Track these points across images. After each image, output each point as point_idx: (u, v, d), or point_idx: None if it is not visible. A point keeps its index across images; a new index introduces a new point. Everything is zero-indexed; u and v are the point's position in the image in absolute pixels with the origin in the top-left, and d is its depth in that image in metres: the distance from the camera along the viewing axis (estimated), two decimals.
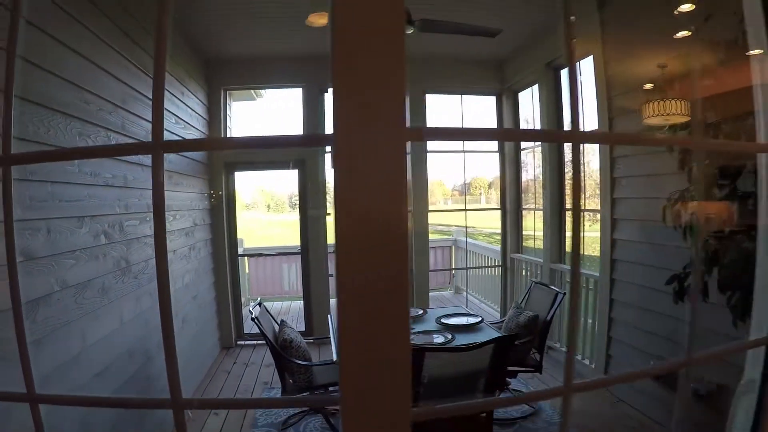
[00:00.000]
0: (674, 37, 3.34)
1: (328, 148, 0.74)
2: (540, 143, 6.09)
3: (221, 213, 6.07)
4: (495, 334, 3.53)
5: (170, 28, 0.71)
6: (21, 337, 0.79)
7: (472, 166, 8.06)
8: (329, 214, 6.21)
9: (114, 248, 3.16)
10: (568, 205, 5.93)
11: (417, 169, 6.41)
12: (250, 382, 5.13)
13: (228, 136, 6.32)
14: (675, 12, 3.27)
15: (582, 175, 5.82)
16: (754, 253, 1.51)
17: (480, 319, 4.09)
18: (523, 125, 6.60)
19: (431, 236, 7.99)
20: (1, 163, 0.69)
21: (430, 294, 7.05)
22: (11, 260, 0.76)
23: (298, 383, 3.65)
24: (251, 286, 8.78)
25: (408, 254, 0.62)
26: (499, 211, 7.03)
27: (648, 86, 3.68)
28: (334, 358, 3.85)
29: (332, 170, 0.59)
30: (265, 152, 5.98)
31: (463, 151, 6.86)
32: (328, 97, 1.07)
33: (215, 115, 6.03)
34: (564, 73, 5.49)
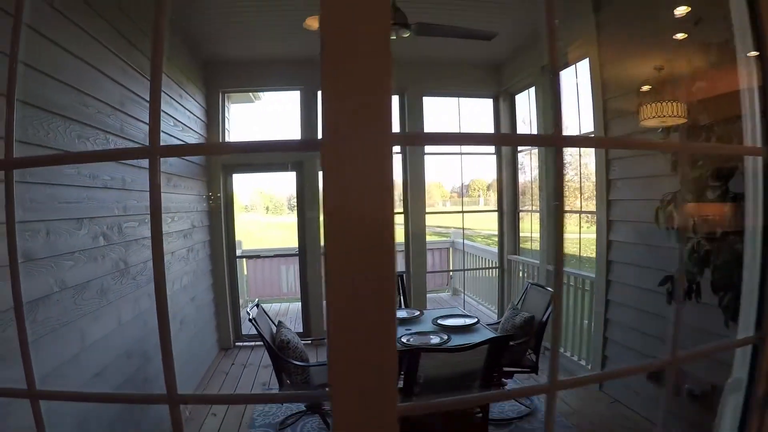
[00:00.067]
0: (670, 39, 3.37)
1: None
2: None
3: (219, 215, 6.09)
4: (490, 335, 3.55)
5: (167, 31, 0.74)
6: (22, 335, 0.81)
7: (471, 168, 8.07)
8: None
9: (113, 250, 3.19)
10: (566, 207, 5.96)
11: (414, 171, 6.45)
12: (248, 382, 5.15)
13: (226, 138, 6.34)
14: (671, 14, 3.29)
15: (579, 177, 5.86)
16: None
17: (476, 320, 4.11)
18: (520, 127, 6.63)
19: (429, 238, 8.01)
20: (2, 167, 0.71)
21: (428, 295, 7.06)
22: (13, 260, 0.78)
23: (295, 384, 3.67)
24: (249, 288, 8.80)
25: (394, 256, 0.65)
26: (496, 213, 7.06)
27: (645, 88, 3.71)
28: None
29: (320, 173, 0.61)
30: (263, 155, 6.00)
31: (461, 154, 6.89)
32: None
33: (213, 117, 6.06)
34: (560, 76, 5.51)
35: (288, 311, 8.30)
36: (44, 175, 2.42)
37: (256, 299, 4.29)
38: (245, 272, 8.52)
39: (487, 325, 4.24)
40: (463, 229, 7.52)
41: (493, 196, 7.33)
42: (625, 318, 4.23)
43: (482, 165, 8.19)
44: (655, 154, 3.59)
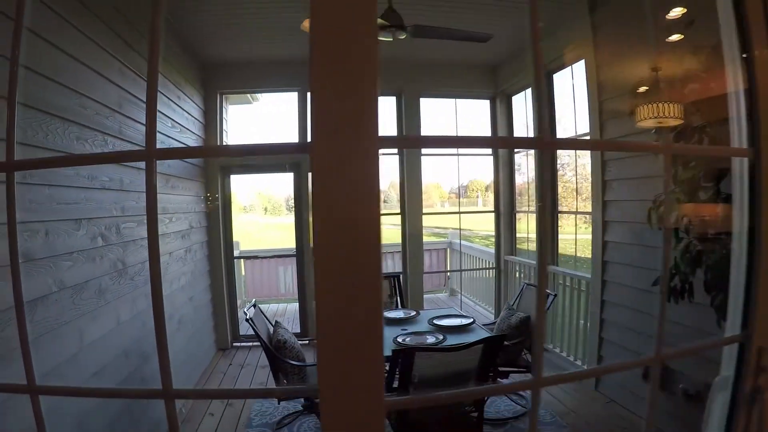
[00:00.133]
0: (664, 41, 3.40)
1: None
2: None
3: (217, 215, 6.11)
4: (485, 335, 3.58)
5: (163, 31, 0.76)
6: (22, 332, 0.84)
7: (470, 169, 8.13)
8: None
9: (111, 250, 3.21)
10: (562, 207, 5.99)
11: (411, 171, 6.47)
12: (245, 383, 5.17)
13: (224, 139, 6.36)
14: (667, 16, 3.32)
15: (576, 177, 5.89)
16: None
17: (472, 320, 4.13)
18: (517, 128, 6.67)
19: (427, 239, 8.04)
20: (4, 169, 0.74)
21: (425, 296, 7.09)
22: (14, 259, 0.81)
23: (292, 383, 3.69)
24: (247, 289, 8.82)
25: (380, 256, 0.67)
26: (493, 214, 7.09)
27: (641, 89, 3.73)
28: None
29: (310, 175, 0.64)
30: (261, 156, 6.02)
31: (458, 155, 6.92)
32: None
33: (211, 118, 6.08)
34: (557, 77, 5.57)
35: (286, 312, 8.32)
36: (43, 176, 2.45)
37: (254, 299, 4.31)
38: (243, 273, 8.54)
39: (483, 325, 4.27)
40: (460, 229, 7.55)
41: (491, 197, 7.36)
42: (620, 318, 4.25)
43: (481, 166, 8.23)
44: (650, 155, 3.62)
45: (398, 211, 6.59)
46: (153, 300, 0.79)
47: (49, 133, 2.50)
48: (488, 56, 6.18)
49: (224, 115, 6.37)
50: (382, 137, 0.65)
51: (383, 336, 0.71)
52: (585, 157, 5.38)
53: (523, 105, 6.42)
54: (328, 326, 0.69)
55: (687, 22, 3.12)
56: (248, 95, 7.25)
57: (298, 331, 6.38)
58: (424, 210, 6.78)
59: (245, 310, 3.81)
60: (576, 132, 5.22)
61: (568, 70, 5.30)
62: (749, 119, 1.30)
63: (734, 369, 1.44)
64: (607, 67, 4.34)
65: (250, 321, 3.64)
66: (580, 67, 4.85)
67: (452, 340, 3.60)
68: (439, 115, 7.26)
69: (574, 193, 5.82)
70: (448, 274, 9.53)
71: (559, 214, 5.80)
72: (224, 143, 6.37)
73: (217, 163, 6.06)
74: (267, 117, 8.34)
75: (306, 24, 3.56)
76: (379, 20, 3.35)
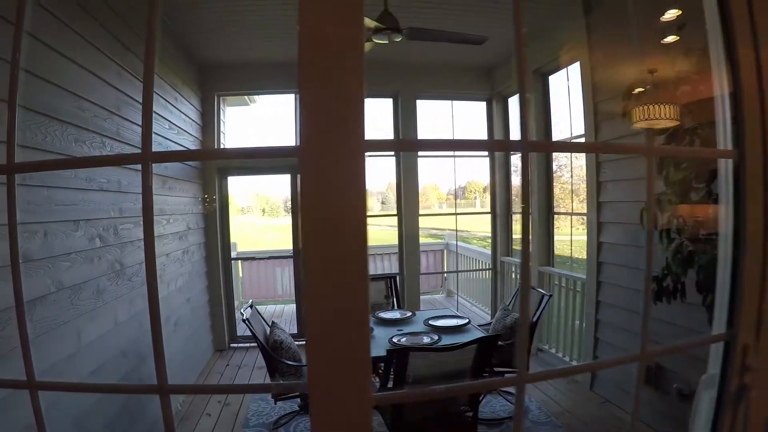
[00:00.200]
0: (658, 42, 3.42)
1: None
2: None
3: (215, 217, 6.13)
4: (480, 335, 3.60)
5: (160, 32, 0.79)
6: (22, 329, 0.86)
7: (467, 170, 8.14)
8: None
9: (108, 251, 3.23)
10: (560, 209, 6.02)
11: (408, 173, 6.48)
12: (242, 383, 5.18)
13: (221, 141, 6.38)
14: (659, 18, 3.35)
15: (571, 179, 5.91)
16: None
17: (467, 320, 4.16)
18: (513, 130, 6.69)
19: (424, 240, 8.06)
20: (5, 172, 0.76)
21: (422, 297, 7.11)
22: (14, 260, 0.83)
23: None
24: (245, 290, 8.83)
25: (367, 257, 0.69)
26: (489, 215, 7.12)
27: (636, 91, 3.75)
28: None
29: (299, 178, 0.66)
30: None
31: (454, 156, 6.94)
32: None
33: (209, 120, 6.10)
34: (552, 79, 5.60)
35: (283, 313, 8.34)
36: (42, 177, 2.47)
37: (250, 300, 4.33)
38: (240, 274, 8.55)
39: (479, 326, 4.30)
40: (456, 231, 7.58)
41: (488, 198, 7.39)
42: (615, 318, 4.28)
43: (478, 167, 8.25)
44: (643, 157, 3.64)
45: (395, 212, 6.61)
46: (149, 295, 0.81)
47: (48, 135, 2.52)
48: (484, 58, 6.21)
49: (221, 117, 6.39)
50: (369, 141, 0.67)
51: (371, 335, 0.73)
52: (582, 159, 5.41)
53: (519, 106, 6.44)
54: (317, 326, 0.71)
55: (679, 25, 3.15)
56: (245, 97, 7.27)
57: (295, 331, 6.39)
58: (422, 211, 6.80)
59: (242, 310, 3.83)
60: (571, 134, 5.25)
61: (563, 72, 5.33)
62: (734, 121, 1.32)
63: (720, 367, 1.47)
64: (602, 69, 4.37)
65: (246, 322, 3.66)
66: (575, 69, 4.88)
67: (447, 341, 3.63)
68: (435, 116, 7.28)
69: (572, 195, 5.85)
70: (445, 275, 9.55)
71: (555, 216, 5.83)
72: (221, 145, 6.39)
73: (215, 164, 6.08)
74: (264, 119, 8.36)
75: None
76: (376, 23, 3.37)
